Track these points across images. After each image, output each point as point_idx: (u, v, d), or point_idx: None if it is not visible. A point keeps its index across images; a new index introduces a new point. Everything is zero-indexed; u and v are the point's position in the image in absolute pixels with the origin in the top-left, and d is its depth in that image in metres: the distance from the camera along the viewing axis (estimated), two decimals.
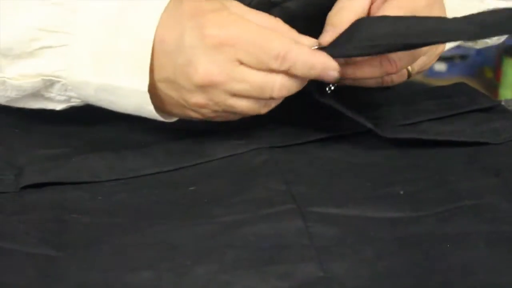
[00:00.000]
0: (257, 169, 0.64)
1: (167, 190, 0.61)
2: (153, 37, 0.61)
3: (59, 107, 0.68)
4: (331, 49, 0.63)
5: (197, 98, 0.63)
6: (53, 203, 0.60)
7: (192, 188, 0.61)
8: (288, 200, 0.59)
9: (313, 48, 0.63)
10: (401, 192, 0.60)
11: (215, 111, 0.64)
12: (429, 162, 0.65)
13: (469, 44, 0.81)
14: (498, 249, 0.54)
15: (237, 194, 0.60)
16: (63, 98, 0.67)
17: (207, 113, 0.64)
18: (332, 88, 0.67)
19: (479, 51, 2.80)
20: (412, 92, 0.79)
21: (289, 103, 0.66)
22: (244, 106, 0.63)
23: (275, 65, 0.61)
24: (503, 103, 0.76)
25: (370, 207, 0.58)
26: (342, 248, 0.54)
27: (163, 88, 0.64)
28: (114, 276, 0.52)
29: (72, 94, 0.66)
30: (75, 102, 0.67)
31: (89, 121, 0.71)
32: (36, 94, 0.66)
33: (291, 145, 0.68)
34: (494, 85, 2.76)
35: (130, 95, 0.63)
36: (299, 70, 0.62)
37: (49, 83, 0.65)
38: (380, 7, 0.65)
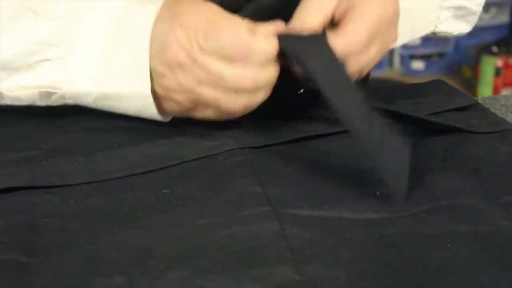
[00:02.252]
0: (231, 171, 0.63)
1: (139, 193, 0.60)
2: (149, 42, 0.63)
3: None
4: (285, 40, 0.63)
5: (168, 81, 0.63)
6: (24, 207, 0.59)
7: (165, 190, 0.60)
8: (263, 202, 0.58)
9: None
10: (377, 193, 0.59)
11: (189, 100, 0.64)
12: None
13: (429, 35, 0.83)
14: (475, 249, 0.53)
15: (211, 196, 0.60)
16: (57, 104, 0.67)
17: (183, 101, 0.64)
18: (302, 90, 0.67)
19: (457, 49, 2.82)
20: (388, 91, 0.79)
21: (263, 103, 0.65)
22: (212, 96, 0.63)
23: (231, 54, 0.61)
24: (480, 101, 0.76)
25: (346, 208, 0.58)
26: (318, 250, 0.53)
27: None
28: (87, 281, 0.51)
29: (69, 101, 0.67)
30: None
31: (59, 123, 0.70)
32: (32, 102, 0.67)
33: (266, 145, 0.67)
34: (472, 83, 2.78)
35: (133, 99, 0.65)
36: (256, 59, 0.62)
37: (47, 94, 0.66)
38: (343, 14, 0.65)
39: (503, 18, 2.82)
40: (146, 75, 0.64)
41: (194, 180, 0.62)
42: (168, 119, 0.68)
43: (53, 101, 0.67)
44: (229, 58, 0.62)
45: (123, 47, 0.64)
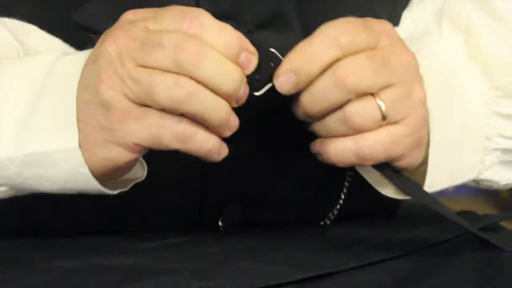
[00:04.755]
0: None
1: None
2: (77, 85, 0.57)
3: None
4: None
5: (103, 69, 0.55)
6: None
7: None
8: None
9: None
10: None
11: (131, 105, 0.55)
12: None
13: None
14: None
15: None
16: None
17: (134, 128, 0.55)
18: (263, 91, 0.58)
19: None
20: (411, 217, 0.73)
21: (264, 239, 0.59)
22: (159, 83, 0.54)
23: (184, 25, 0.54)
24: None
25: None
26: None
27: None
28: None
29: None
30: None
31: (27, 260, 0.63)
32: None
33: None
34: (510, 204, 2.65)
35: (60, 159, 0.57)
36: (211, 35, 0.54)
37: None
38: None
39: None
40: (73, 125, 0.57)
41: None
42: (114, 191, 0.60)
43: None
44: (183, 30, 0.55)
45: (47, 100, 0.58)
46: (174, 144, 0.55)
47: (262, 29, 0.65)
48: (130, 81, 0.54)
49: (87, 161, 0.57)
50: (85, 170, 0.57)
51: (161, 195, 0.65)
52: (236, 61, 0.55)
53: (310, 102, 0.58)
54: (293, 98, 0.59)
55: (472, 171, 0.67)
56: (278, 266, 0.60)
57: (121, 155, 0.57)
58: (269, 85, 0.58)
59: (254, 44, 0.57)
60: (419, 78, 0.61)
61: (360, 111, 0.57)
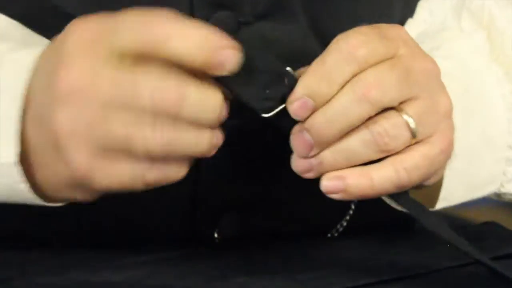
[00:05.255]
0: None
1: None
2: (22, 92, 0.51)
3: None
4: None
5: (60, 119, 0.49)
6: None
7: None
8: None
9: None
10: None
11: (106, 162, 0.49)
12: None
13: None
14: None
15: None
16: None
17: (99, 178, 0.50)
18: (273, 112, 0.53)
19: None
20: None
21: None
22: (136, 136, 0.48)
23: (145, 35, 0.48)
24: None
25: None
26: None
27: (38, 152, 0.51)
28: None
29: None
30: None
31: None
32: None
33: None
34: None
35: None
36: (177, 42, 0.48)
37: None
38: None
39: None
40: (10, 139, 0.51)
41: None
42: (57, 204, 0.55)
43: None
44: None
45: None
46: (146, 188, 0.51)
47: (262, 20, 0.60)
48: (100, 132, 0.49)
49: (41, 182, 0.52)
50: (25, 188, 0.52)
51: (149, 206, 0.61)
52: (212, 63, 0.49)
53: (325, 123, 0.52)
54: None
55: (493, 183, 0.65)
56: (280, 283, 0.57)
57: (86, 196, 0.52)
58: (280, 107, 0.53)
59: (269, 59, 0.52)
60: (442, 86, 0.57)
61: (390, 130, 0.52)
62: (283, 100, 0.52)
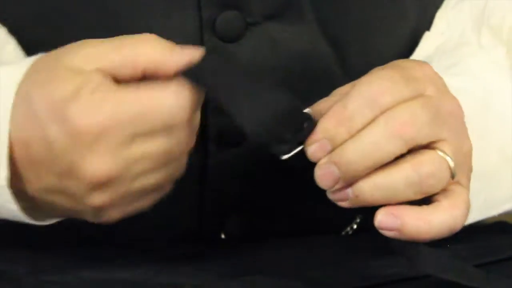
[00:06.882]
0: None
1: None
2: (7, 140, 0.51)
3: None
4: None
5: (97, 200, 0.52)
6: None
7: None
8: None
9: None
10: None
11: (124, 204, 0.53)
12: None
13: None
14: None
15: None
16: None
17: (114, 214, 0.54)
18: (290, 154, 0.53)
19: None
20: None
21: None
22: (156, 179, 0.53)
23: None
24: None
25: None
26: None
27: (48, 196, 0.53)
28: None
29: None
30: None
31: None
32: None
33: None
34: None
35: None
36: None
37: None
38: None
39: None
40: (2, 162, 0.51)
41: None
42: (50, 221, 0.57)
43: None
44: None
45: None
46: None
47: (270, 20, 0.60)
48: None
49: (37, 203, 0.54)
50: (14, 207, 0.53)
51: (157, 205, 0.61)
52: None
53: (355, 158, 0.50)
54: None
55: (510, 201, 0.63)
56: (291, 282, 0.57)
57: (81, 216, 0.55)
58: (298, 149, 0.52)
59: (292, 105, 0.52)
60: (466, 129, 0.55)
61: (436, 172, 0.51)
62: (301, 141, 0.52)
